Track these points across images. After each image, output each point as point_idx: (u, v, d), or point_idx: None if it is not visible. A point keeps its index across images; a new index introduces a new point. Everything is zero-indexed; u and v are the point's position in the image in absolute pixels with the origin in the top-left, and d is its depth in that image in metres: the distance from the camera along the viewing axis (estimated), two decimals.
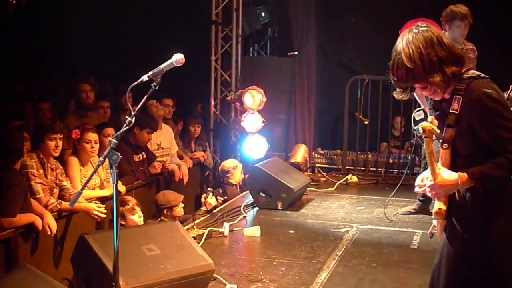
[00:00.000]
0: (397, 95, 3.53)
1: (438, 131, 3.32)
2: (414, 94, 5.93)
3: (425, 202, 7.90)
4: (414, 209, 8.06)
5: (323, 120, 12.30)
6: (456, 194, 3.43)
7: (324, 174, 10.96)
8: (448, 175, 3.36)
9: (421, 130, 3.30)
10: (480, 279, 3.42)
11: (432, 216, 3.57)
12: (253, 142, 10.37)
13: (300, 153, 11.06)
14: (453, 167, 3.40)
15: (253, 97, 10.23)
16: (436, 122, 3.36)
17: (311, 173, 11.08)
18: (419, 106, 7.58)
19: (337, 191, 9.85)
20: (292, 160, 10.79)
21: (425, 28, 3.38)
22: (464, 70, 3.40)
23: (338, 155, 11.59)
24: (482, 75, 3.40)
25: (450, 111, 3.37)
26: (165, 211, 7.60)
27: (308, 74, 11.82)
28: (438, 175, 3.37)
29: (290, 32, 11.78)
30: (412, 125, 7.90)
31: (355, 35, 11.89)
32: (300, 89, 11.76)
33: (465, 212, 3.44)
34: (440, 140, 3.43)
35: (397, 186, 7.85)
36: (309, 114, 11.83)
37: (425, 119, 5.73)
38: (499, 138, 3.24)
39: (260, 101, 10.24)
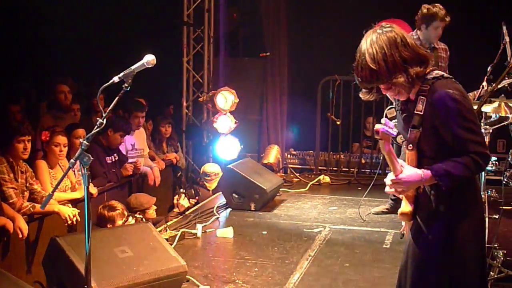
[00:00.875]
0: (363, 95, 3.54)
1: (395, 133, 3.31)
2: None
3: (398, 201, 7.92)
4: (386, 208, 8.09)
5: (296, 120, 12.30)
6: (421, 191, 3.46)
7: (297, 174, 10.99)
8: (411, 170, 3.37)
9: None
10: (445, 280, 3.44)
11: (398, 217, 3.58)
12: (226, 143, 10.38)
13: (273, 154, 11.07)
14: (419, 168, 3.40)
15: (225, 98, 10.24)
16: (390, 123, 3.34)
17: (283, 174, 11.10)
18: (391, 104, 7.62)
19: (309, 192, 9.87)
20: (265, 161, 10.80)
21: (389, 28, 3.37)
22: (428, 70, 3.40)
23: (310, 155, 11.63)
24: (446, 75, 3.41)
25: (415, 112, 3.38)
26: (137, 213, 7.56)
27: (280, 74, 11.83)
28: (401, 171, 3.38)
29: (261, 33, 11.78)
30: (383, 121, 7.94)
31: (327, 35, 11.91)
32: (272, 90, 11.77)
33: (430, 213, 3.46)
34: (405, 141, 3.44)
35: (370, 186, 7.88)
36: (281, 114, 11.85)
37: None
38: (462, 139, 3.25)
39: (233, 102, 10.25)
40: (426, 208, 3.47)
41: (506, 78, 5.38)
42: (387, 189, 3.49)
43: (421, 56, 3.38)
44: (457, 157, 3.26)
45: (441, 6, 7.19)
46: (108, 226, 6.65)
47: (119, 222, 6.73)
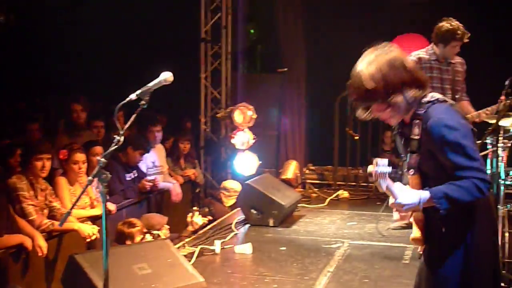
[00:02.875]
0: (360, 114, 3.46)
1: (389, 170, 3.25)
2: None
3: None
4: (405, 223, 8.04)
5: (314, 136, 12.29)
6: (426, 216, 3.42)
7: (315, 190, 10.97)
8: (408, 193, 3.30)
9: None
10: None
11: (410, 242, 3.55)
12: (244, 159, 10.39)
13: (291, 170, 11.08)
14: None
15: (243, 114, 10.25)
16: (382, 161, 3.26)
17: (302, 189, 11.08)
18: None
19: (328, 207, 9.85)
20: (283, 177, 10.80)
21: (389, 49, 3.34)
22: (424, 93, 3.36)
23: (329, 170, 11.61)
24: (441, 98, 3.35)
25: (411, 136, 3.34)
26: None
27: (298, 90, 11.85)
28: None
29: (279, 48, 11.81)
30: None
31: (345, 50, 11.87)
32: (290, 105, 11.80)
33: (441, 238, 3.40)
34: (407, 167, 3.40)
35: (388, 201, 7.82)
36: (299, 130, 11.86)
37: None
38: (459, 166, 3.18)
39: (250, 118, 10.27)
40: (436, 232, 3.41)
41: None
42: (395, 216, 3.47)
43: (419, 80, 3.33)
44: (457, 180, 3.19)
45: (460, 25, 7.00)
46: (127, 242, 6.65)
47: (138, 238, 6.74)
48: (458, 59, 7.42)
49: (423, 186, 3.37)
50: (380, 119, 3.45)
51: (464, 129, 3.23)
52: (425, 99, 3.33)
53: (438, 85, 7.26)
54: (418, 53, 7.28)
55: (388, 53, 3.31)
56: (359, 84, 3.30)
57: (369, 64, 3.30)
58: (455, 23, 7.01)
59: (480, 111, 6.73)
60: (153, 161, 9.02)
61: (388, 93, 3.27)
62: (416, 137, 3.32)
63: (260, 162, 10.50)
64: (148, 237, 6.95)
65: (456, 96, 7.30)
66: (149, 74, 4.31)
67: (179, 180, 9.50)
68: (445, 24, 7.02)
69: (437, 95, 3.36)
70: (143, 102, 3.75)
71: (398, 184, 3.34)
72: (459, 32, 6.95)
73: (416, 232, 3.46)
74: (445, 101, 3.35)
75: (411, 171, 3.38)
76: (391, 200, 3.37)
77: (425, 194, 3.25)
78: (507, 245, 5.45)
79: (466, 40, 7.03)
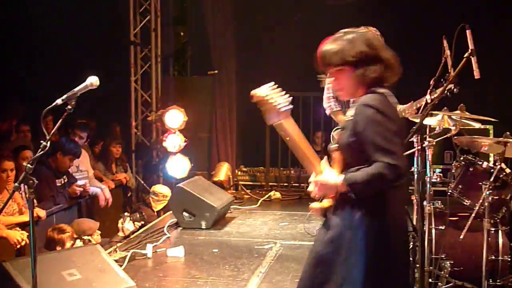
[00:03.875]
0: (324, 80, 3.60)
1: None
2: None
3: None
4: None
5: (245, 137, 12.35)
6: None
7: (248, 191, 11.04)
8: (330, 174, 3.41)
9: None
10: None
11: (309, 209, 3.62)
12: (176, 162, 10.36)
13: (223, 171, 11.12)
14: (347, 168, 3.42)
15: (174, 117, 10.23)
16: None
17: (234, 191, 11.15)
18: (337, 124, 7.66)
19: (260, 208, 9.93)
20: (215, 179, 10.84)
21: (360, 29, 3.52)
22: (388, 82, 3.44)
23: (261, 172, 11.68)
24: (386, 92, 3.41)
25: (346, 117, 3.46)
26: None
27: (229, 92, 11.91)
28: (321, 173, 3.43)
29: (209, 51, 11.83)
30: (332, 142, 8.01)
31: (275, 52, 11.98)
32: (221, 107, 11.85)
33: (339, 213, 3.47)
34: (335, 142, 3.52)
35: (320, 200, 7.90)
36: (230, 132, 11.91)
37: None
38: (376, 146, 3.24)
39: (182, 121, 10.25)
40: (337, 207, 3.48)
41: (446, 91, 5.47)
42: (310, 187, 3.52)
43: (385, 60, 3.41)
44: (373, 162, 3.25)
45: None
46: (58, 248, 6.59)
47: (68, 244, 6.68)
48: None
49: (346, 164, 3.44)
50: (333, 89, 3.58)
51: (390, 115, 3.31)
52: (374, 89, 3.40)
53: None
54: None
55: (357, 32, 3.44)
56: (328, 51, 3.42)
57: (336, 37, 3.44)
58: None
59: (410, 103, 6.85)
60: (77, 166, 8.91)
61: (343, 63, 3.37)
62: (350, 118, 3.39)
63: (192, 164, 10.49)
64: (79, 243, 6.89)
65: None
66: (80, 77, 4.28)
67: (110, 185, 9.42)
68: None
69: (385, 92, 3.42)
70: (69, 106, 3.73)
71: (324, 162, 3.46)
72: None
73: (327, 202, 3.51)
74: (384, 95, 3.39)
75: (335, 146, 3.48)
76: (312, 176, 3.46)
77: (340, 179, 3.34)
78: (433, 242, 5.57)
79: None
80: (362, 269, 3.34)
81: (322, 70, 3.54)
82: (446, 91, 6.23)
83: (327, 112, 6.13)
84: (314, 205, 3.57)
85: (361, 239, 3.35)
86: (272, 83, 3.38)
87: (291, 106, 3.39)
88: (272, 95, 3.35)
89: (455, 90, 6.30)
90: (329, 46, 3.43)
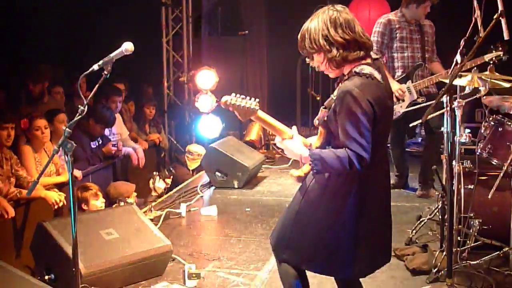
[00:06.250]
0: (311, 63, 3.67)
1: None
2: None
3: (401, 177, 8.04)
4: (392, 184, 8.03)
5: (276, 97, 12.38)
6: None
7: (279, 150, 11.09)
8: (297, 143, 3.57)
9: None
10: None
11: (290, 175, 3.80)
12: (208, 122, 10.46)
13: (255, 131, 11.17)
14: (326, 143, 3.61)
15: (206, 77, 10.30)
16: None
17: (266, 150, 11.21)
18: None
19: (291, 167, 9.95)
20: (247, 138, 10.91)
21: (338, 9, 3.53)
22: (365, 61, 3.52)
23: None
24: (368, 73, 3.46)
25: (331, 95, 3.54)
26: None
27: (260, 52, 11.92)
28: (291, 137, 3.60)
29: (239, 11, 11.84)
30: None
31: (305, 12, 11.94)
32: (252, 68, 11.88)
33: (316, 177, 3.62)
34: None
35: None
36: (261, 91, 11.94)
37: None
38: (346, 133, 3.36)
39: (213, 81, 10.31)
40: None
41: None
42: (276, 139, 3.66)
43: (360, 43, 3.50)
44: (342, 147, 3.39)
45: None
46: (83, 206, 6.74)
47: (93, 202, 6.81)
48: (427, 22, 7.65)
49: (326, 140, 3.61)
50: (320, 70, 3.66)
51: (366, 108, 3.36)
52: (357, 69, 3.47)
53: (408, 44, 7.46)
54: (387, 15, 7.61)
55: (335, 13, 3.51)
56: (303, 35, 3.58)
57: (316, 19, 3.54)
58: None
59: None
60: (109, 129, 9.04)
61: (325, 46, 3.48)
62: (333, 97, 3.50)
63: (224, 124, 10.58)
64: (101, 198, 7.00)
65: (427, 56, 7.53)
66: (112, 40, 4.37)
67: (144, 145, 9.56)
68: None
69: (369, 70, 3.47)
70: (105, 72, 3.82)
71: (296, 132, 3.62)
72: None
73: (305, 168, 3.66)
74: (371, 77, 3.45)
75: (316, 122, 3.63)
76: (277, 139, 3.65)
77: (306, 151, 3.48)
78: (462, 201, 5.62)
79: (436, 1, 7.29)
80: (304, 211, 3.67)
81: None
82: (494, 59, 6.36)
83: None
84: (294, 172, 3.75)
85: (321, 190, 3.59)
86: (234, 93, 3.63)
87: (258, 105, 3.59)
88: (240, 100, 3.60)
89: (503, 58, 6.43)
90: (307, 35, 3.55)
